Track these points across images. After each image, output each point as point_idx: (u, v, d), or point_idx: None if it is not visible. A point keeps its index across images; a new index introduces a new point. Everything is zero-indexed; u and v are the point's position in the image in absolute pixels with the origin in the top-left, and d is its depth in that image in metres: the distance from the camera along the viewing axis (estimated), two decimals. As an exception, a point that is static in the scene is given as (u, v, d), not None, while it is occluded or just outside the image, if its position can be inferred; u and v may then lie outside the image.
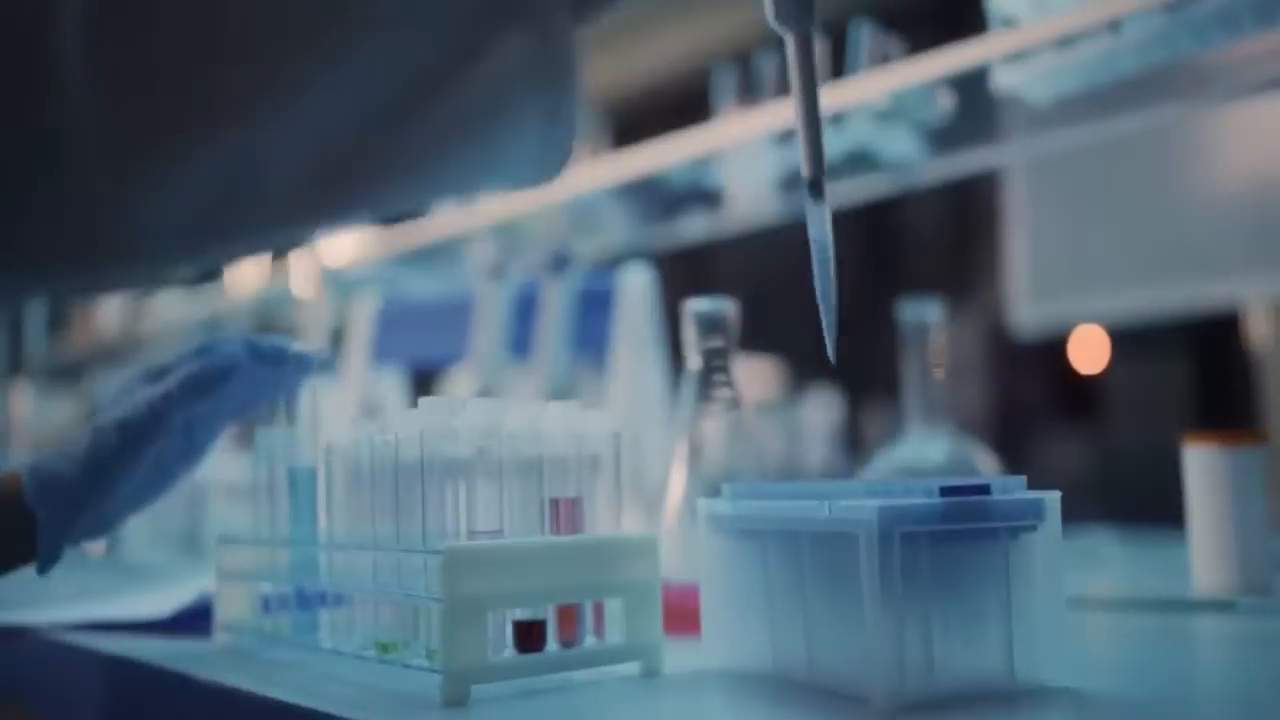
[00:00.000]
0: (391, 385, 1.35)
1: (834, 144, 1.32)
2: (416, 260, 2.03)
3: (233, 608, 0.80)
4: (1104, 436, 3.24)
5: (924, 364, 1.13)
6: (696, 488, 0.84)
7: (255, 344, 0.78)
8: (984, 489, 0.55)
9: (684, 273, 4.80)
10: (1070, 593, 0.93)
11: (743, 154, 1.45)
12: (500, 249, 2.02)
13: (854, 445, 3.86)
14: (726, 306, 0.85)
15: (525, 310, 1.21)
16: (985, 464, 1.11)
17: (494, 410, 0.64)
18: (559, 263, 1.18)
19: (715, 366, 0.85)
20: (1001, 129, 1.24)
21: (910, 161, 1.32)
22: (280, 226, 0.37)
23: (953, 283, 4.14)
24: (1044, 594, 0.57)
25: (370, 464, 0.67)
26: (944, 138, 1.25)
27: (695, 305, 0.85)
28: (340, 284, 2.08)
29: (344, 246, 2.12)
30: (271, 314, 2.55)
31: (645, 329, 1.16)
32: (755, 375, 4.28)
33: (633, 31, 4.44)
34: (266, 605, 0.78)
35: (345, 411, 1.33)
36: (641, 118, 4.39)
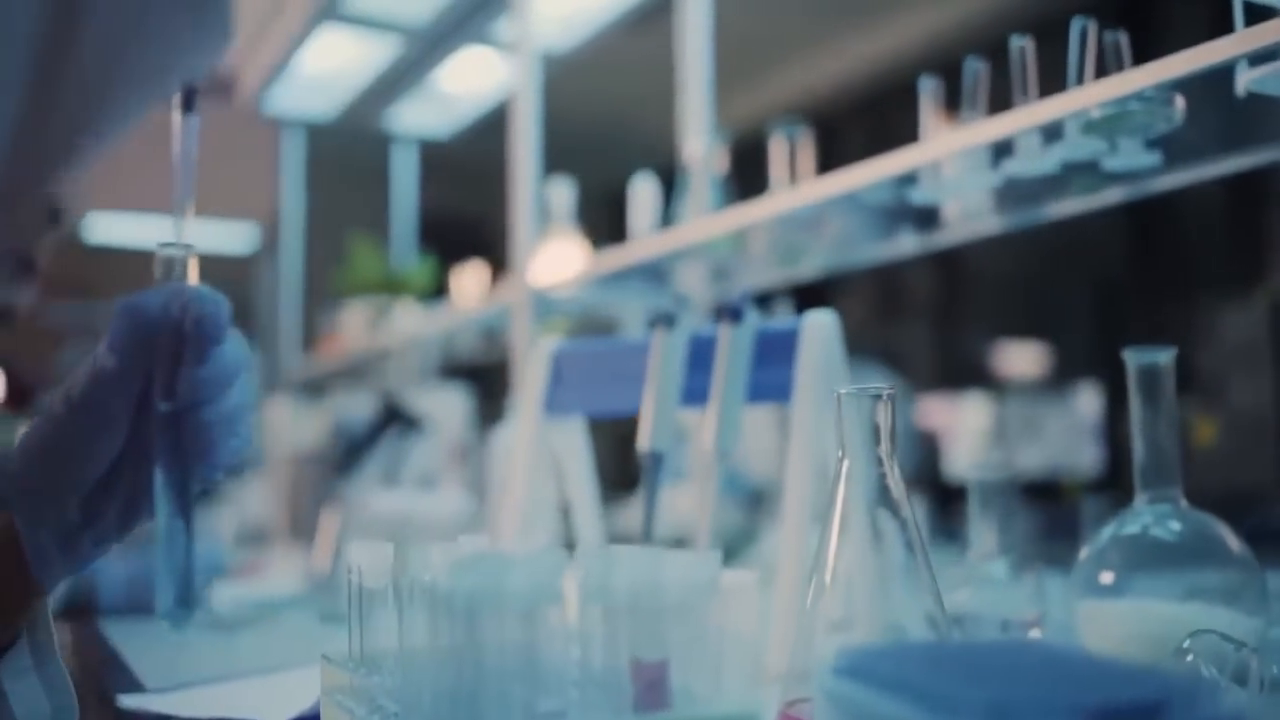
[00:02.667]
0: (571, 436, 1.28)
1: (1053, 155, 1.15)
2: (623, 281, 1.95)
3: (335, 728, 0.73)
4: None
5: (1154, 419, 0.95)
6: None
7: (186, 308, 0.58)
8: (1152, 709, 0.41)
9: (933, 264, 4.56)
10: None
11: (955, 169, 1.30)
12: (707, 269, 1.92)
13: (1119, 443, 3.59)
14: (884, 390, 0.71)
15: (702, 359, 1.11)
16: (1230, 541, 0.93)
17: (561, 562, 0.54)
18: (735, 311, 1.07)
19: (879, 471, 0.70)
20: (1247, 130, 1.05)
21: (1142, 172, 1.14)
22: None
23: (1240, 265, 3.76)
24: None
25: (431, 604, 0.58)
26: (1180, 143, 1.07)
27: (847, 393, 0.71)
28: (545, 305, 2.03)
29: (551, 267, 2.07)
30: (494, 329, 2.55)
31: (830, 374, 1.04)
32: (1021, 359, 4.08)
33: (833, 36, 4.27)
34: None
35: (524, 466, 1.26)
36: (843, 121, 4.23)
